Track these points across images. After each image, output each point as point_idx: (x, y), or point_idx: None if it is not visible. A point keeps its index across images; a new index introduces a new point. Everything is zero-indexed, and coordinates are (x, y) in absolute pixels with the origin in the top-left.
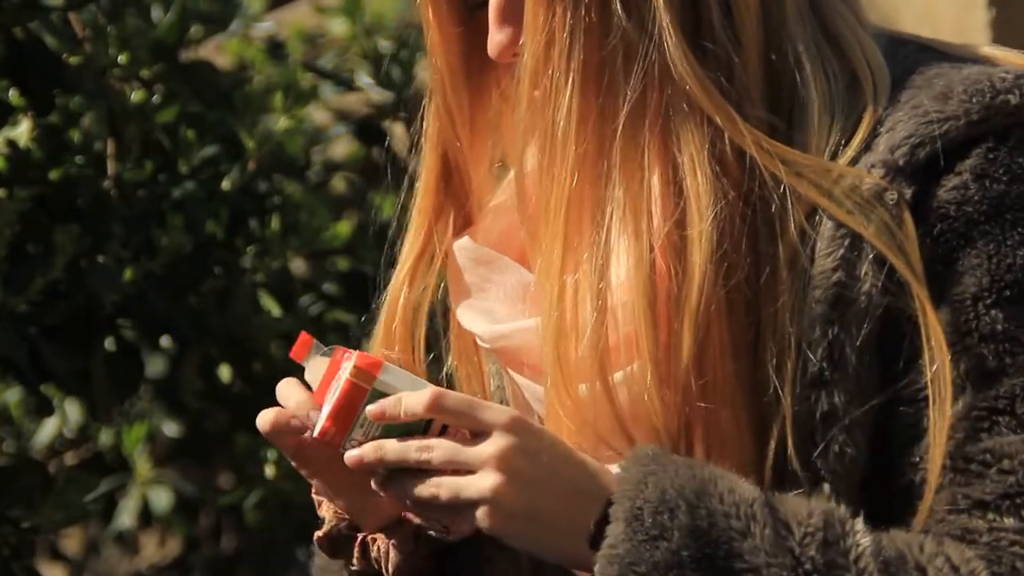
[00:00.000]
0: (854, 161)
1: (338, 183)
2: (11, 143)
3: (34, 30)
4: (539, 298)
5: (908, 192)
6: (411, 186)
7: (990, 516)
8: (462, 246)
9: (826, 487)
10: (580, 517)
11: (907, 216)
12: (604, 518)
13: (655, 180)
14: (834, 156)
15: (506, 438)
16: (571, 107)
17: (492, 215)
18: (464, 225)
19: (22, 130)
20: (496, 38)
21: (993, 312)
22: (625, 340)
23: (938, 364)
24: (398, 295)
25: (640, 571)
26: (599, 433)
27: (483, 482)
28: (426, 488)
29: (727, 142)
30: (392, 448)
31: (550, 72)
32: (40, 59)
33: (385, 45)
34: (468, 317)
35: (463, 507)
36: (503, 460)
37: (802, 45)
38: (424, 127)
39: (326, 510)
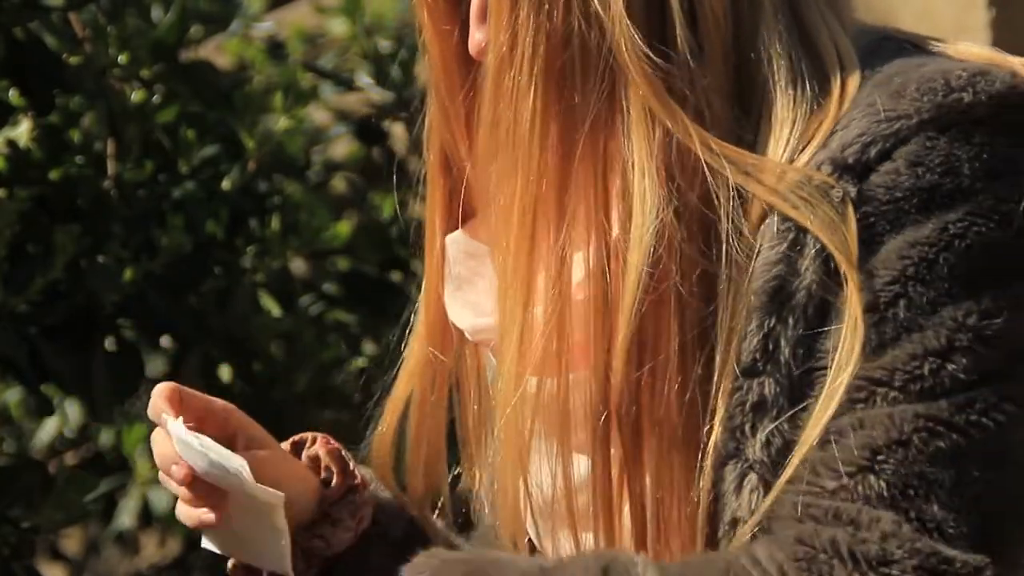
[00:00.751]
0: (809, 162)
1: (338, 183)
2: (11, 143)
3: (34, 30)
4: (499, 297)
5: (853, 190)
6: (412, 186)
7: (842, 482)
8: (453, 239)
9: (753, 477)
10: None
11: (850, 212)
12: None
13: (613, 184)
14: (793, 157)
15: None
16: (534, 108)
17: (485, 212)
18: (463, 220)
19: (22, 130)
20: (476, 37)
21: (894, 288)
22: (581, 343)
23: (847, 341)
24: (434, 291)
25: None
26: (546, 429)
27: None
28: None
29: (677, 145)
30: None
31: (512, 74)
32: (40, 59)
33: (385, 45)
34: (455, 310)
35: None
36: None
37: (774, 50)
38: (426, 125)
39: None
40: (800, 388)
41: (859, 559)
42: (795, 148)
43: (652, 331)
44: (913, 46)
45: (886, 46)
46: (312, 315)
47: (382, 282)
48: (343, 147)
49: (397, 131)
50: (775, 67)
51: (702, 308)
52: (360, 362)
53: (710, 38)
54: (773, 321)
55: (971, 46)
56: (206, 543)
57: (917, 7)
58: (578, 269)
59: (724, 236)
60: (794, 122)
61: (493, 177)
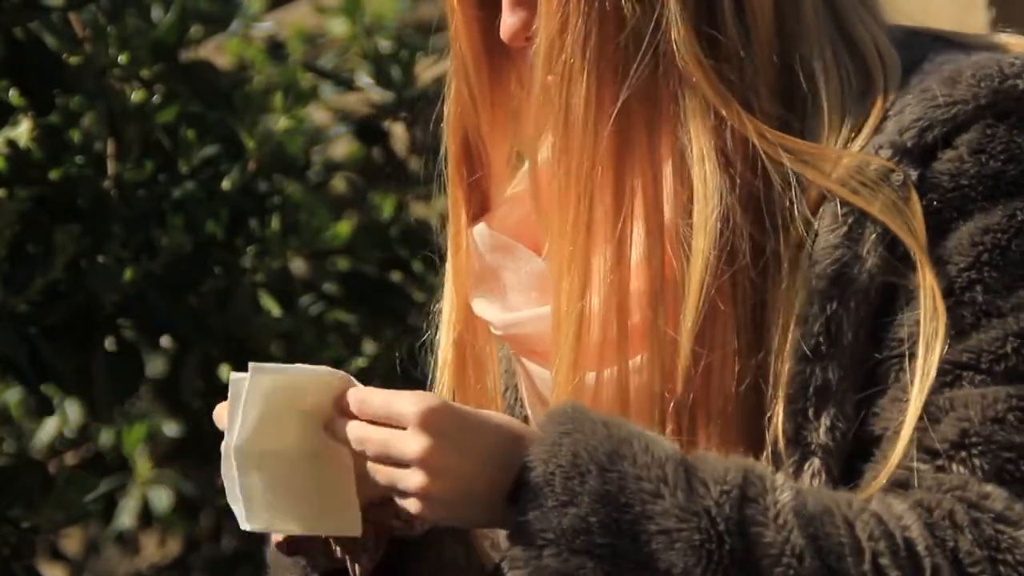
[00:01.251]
0: (863, 149)
1: (338, 183)
2: (11, 143)
3: (34, 30)
4: (554, 284)
5: (914, 174)
6: (413, 185)
7: (938, 463)
8: (479, 232)
9: (816, 462)
10: (502, 486)
11: (913, 195)
12: (522, 482)
13: (667, 170)
14: (844, 146)
15: (422, 436)
16: (587, 94)
17: (508, 204)
18: (481, 211)
19: (22, 130)
20: (508, 21)
21: (969, 274)
22: (637, 329)
23: (928, 322)
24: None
25: (548, 537)
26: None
27: (411, 479)
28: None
29: (731, 132)
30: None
31: (564, 58)
32: (40, 59)
33: (385, 45)
34: (481, 304)
35: (398, 494)
36: (424, 460)
37: (816, 41)
38: (445, 113)
39: None
40: (865, 372)
41: (977, 532)
42: (847, 137)
43: (716, 316)
44: (943, 39)
45: (917, 40)
46: (312, 315)
47: (382, 282)
48: (343, 147)
49: (397, 131)
50: (818, 59)
51: (763, 292)
52: (360, 362)
53: (756, 29)
54: (835, 304)
55: (1007, 36)
56: (248, 521)
57: (917, 7)
58: (634, 255)
59: (782, 222)
60: (843, 112)
61: (553, 165)
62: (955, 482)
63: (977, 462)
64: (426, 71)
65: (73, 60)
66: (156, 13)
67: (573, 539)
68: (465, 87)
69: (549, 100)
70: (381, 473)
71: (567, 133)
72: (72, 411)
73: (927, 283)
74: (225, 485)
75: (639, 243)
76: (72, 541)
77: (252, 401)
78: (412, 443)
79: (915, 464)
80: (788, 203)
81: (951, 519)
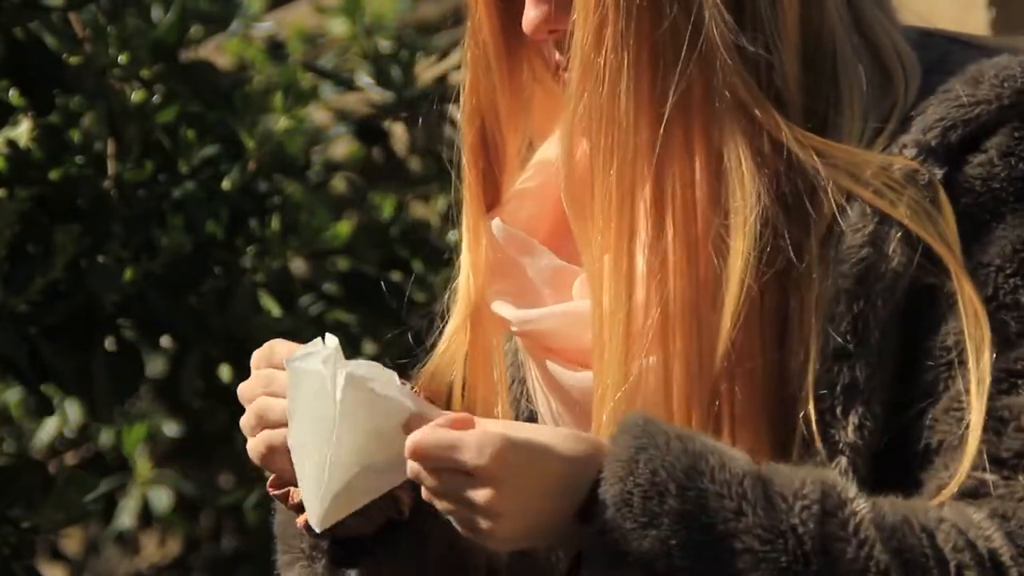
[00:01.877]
0: (886, 149)
1: (338, 183)
2: (11, 143)
3: (34, 30)
4: (594, 281)
5: (939, 173)
6: (413, 185)
7: (1005, 473)
8: (495, 226)
9: (843, 460)
10: (571, 509)
11: (941, 195)
12: (596, 500)
13: (698, 168)
14: (868, 146)
15: (485, 488)
16: (628, 91)
17: (517, 199)
18: (493, 203)
19: (22, 130)
20: (531, 14)
21: (1014, 280)
22: (677, 322)
23: (973, 329)
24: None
25: (628, 560)
26: (645, 410)
27: (480, 524)
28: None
29: (765, 134)
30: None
31: (604, 53)
32: (40, 59)
33: (385, 45)
34: (496, 299)
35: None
36: (488, 508)
37: (839, 41)
38: (462, 104)
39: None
40: (899, 374)
41: None
42: (869, 136)
43: (752, 314)
44: (960, 41)
45: (932, 40)
46: (312, 315)
47: (382, 282)
48: (343, 147)
49: (397, 131)
50: (841, 60)
51: (794, 291)
52: None
53: (787, 27)
54: (862, 303)
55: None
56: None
57: (917, 7)
58: (673, 254)
59: (812, 222)
60: (865, 111)
61: (593, 162)
62: None
63: None
64: (426, 71)
65: (73, 60)
66: (156, 13)
67: (653, 562)
68: (485, 78)
69: (587, 97)
70: (455, 510)
71: (608, 131)
72: (72, 411)
73: (965, 290)
74: (296, 473)
75: (679, 241)
76: (72, 541)
77: (345, 415)
78: (477, 494)
79: (984, 475)
80: (818, 203)
81: None
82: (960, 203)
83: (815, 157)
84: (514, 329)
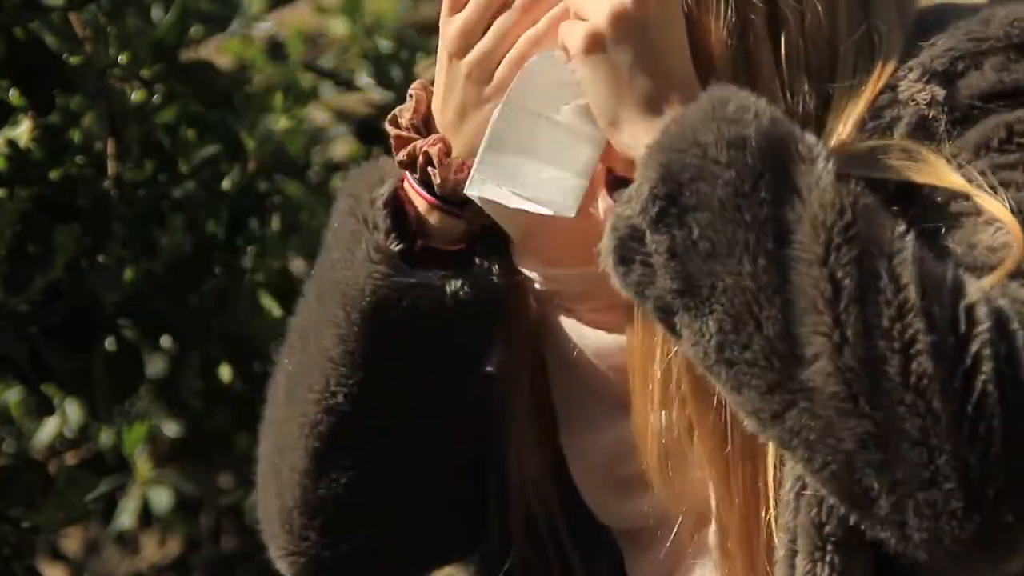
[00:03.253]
0: (889, 79)
1: (338, 183)
2: (11, 143)
3: (34, 30)
4: None
5: (941, 93)
6: None
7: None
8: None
9: None
10: (671, 95)
11: (934, 116)
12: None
13: None
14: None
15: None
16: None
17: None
18: None
19: (22, 130)
20: None
21: (1008, 147)
22: None
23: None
24: None
25: (703, 139)
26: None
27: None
28: None
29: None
30: None
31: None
32: (40, 59)
33: (385, 45)
34: (524, 260)
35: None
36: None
37: (848, 34)
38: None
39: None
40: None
41: None
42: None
43: None
44: (969, 6)
45: (944, 6)
46: None
47: None
48: (343, 147)
49: None
50: (848, 51)
51: None
52: None
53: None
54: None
55: None
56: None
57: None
58: None
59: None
60: (855, 78)
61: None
62: None
63: None
64: (426, 71)
65: (73, 60)
66: (156, 13)
67: (727, 148)
68: None
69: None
70: None
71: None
72: (72, 411)
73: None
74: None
75: None
76: (72, 541)
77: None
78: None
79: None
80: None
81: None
82: (952, 114)
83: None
84: (539, 286)
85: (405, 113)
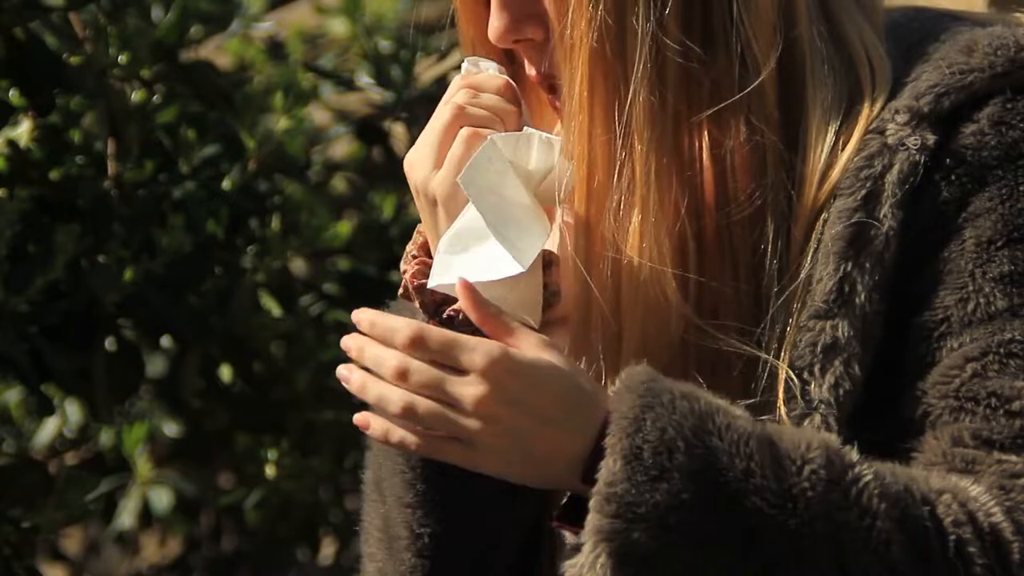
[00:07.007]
0: (877, 117)
1: (338, 183)
2: (11, 143)
3: (34, 30)
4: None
5: (931, 139)
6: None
7: (995, 454)
8: None
9: (816, 418)
10: (567, 451)
11: (931, 162)
12: (597, 451)
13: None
14: (831, 149)
15: (482, 384)
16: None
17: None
18: None
19: (22, 130)
20: (495, 23)
21: (1003, 253)
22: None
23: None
24: None
25: (639, 512)
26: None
27: (464, 422)
28: (403, 401)
29: (742, 135)
30: (370, 353)
31: (568, 55)
32: (40, 59)
33: (385, 45)
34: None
35: (441, 438)
36: (480, 407)
37: (809, 44)
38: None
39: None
40: (874, 335)
41: None
42: (831, 142)
43: (735, 268)
44: (954, 16)
45: (926, 13)
46: (312, 315)
47: (382, 282)
48: (343, 147)
49: (397, 131)
50: (810, 63)
51: (780, 254)
52: None
53: (758, 39)
54: (850, 266)
55: (1020, 15)
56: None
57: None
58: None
59: (797, 191)
60: (830, 118)
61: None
62: (1020, 470)
63: None
64: (426, 71)
65: (73, 60)
66: (156, 13)
67: (665, 514)
68: None
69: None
70: (425, 408)
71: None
72: (72, 411)
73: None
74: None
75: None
76: (72, 541)
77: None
78: (471, 388)
79: (977, 452)
80: (799, 191)
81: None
82: (952, 173)
83: (790, 155)
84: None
85: (411, 247)
